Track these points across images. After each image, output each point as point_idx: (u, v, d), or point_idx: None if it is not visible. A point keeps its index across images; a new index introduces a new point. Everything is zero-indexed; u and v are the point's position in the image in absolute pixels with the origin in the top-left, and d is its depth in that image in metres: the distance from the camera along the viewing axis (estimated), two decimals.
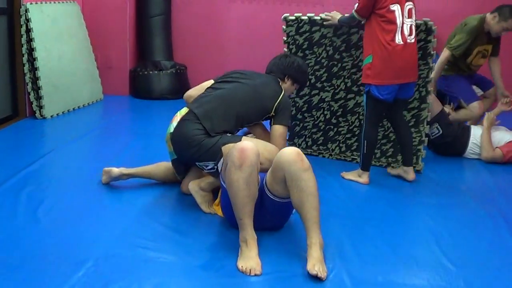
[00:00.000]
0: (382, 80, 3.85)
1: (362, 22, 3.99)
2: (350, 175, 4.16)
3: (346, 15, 4.10)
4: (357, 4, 3.86)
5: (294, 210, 2.95)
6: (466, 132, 4.90)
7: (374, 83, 3.86)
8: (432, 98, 4.35)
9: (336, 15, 4.18)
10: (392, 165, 4.47)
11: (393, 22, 3.78)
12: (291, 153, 2.82)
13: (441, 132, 4.86)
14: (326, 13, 4.28)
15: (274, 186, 2.92)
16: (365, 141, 4.04)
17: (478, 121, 5.19)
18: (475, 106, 5.08)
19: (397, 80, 3.88)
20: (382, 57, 3.81)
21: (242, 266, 2.72)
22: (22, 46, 5.48)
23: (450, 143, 4.88)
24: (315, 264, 2.65)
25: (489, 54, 5.12)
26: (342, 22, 4.13)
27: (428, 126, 4.41)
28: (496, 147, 4.75)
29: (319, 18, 4.29)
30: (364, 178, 4.12)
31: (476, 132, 4.87)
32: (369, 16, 3.85)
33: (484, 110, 5.11)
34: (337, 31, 4.31)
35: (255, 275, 2.68)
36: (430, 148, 4.98)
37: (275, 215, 3.09)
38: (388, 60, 3.81)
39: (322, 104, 4.63)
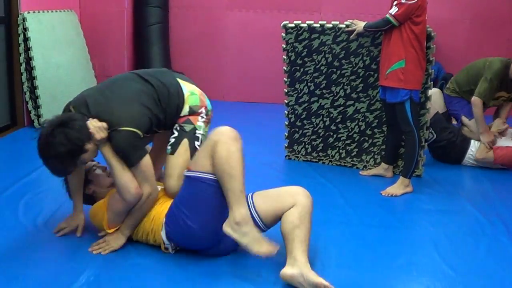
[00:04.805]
0: (419, 85, 3.96)
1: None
2: (400, 190, 4.06)
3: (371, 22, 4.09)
4: (395, 9, 3.81)
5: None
6: (466, 142, 4.88)
7: (414, 88, 3.93)
8: (430, 103, 4.35)
9: (359, 23, 4.16)
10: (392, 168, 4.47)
11: (424, 29, 3.88)
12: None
13: (435, 136, 4.86)
14: (350, 20, 4.27)
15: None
16: (419, 148, 4.06)
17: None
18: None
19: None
20: (416, 61, 3.87)
21: (260, 252, 2.59)
22: (20, 55, 5.48)
23: (446, 149, 4.88)
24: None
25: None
26: (370, 27, 4.06)
27: (427, 131, 4.42)
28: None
29: (318, 25, 4.30)
30: (410, 186, 4.12)
31: (476, 145, 4.85)
32: None
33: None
34: (336, 39, 4.33)
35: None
36: (431, 153, 4.99)
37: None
38: (419, 65, 3.91)
39: (321, 111, 4.63)
